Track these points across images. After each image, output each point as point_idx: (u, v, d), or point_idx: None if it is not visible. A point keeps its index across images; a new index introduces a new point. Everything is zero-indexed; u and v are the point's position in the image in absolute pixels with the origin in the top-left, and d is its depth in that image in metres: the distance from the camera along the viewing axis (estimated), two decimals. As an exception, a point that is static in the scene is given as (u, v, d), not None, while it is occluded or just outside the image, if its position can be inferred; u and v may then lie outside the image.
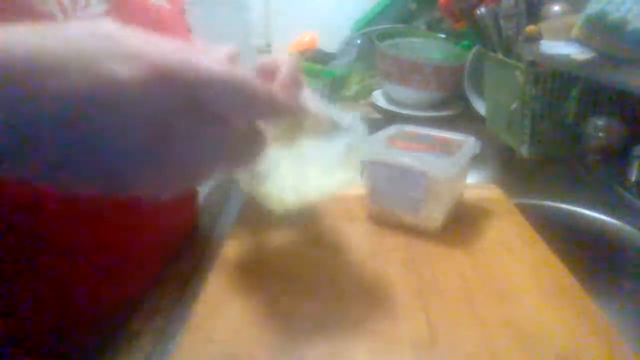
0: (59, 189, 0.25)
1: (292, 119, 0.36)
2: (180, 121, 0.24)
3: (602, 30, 0.61)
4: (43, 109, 0.23)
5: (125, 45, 0.23)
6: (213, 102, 0.25)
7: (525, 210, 0.56)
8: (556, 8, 0.83)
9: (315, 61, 1.36)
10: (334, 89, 1.24)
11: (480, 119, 1.02)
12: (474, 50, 1.06)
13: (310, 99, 0.38)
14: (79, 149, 0.24)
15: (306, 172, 0.38)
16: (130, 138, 0.24)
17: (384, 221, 0.52)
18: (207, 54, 0.30)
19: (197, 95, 0.24)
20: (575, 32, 0.64)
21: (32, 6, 0.35)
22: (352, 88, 1.25)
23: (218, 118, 0.26)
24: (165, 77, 0.23)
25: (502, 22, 0.83)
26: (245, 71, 0.26)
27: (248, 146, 0.28)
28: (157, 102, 0.23)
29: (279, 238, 0.50)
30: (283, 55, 0.40)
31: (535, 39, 0.72)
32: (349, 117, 0.41)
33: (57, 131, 0.23)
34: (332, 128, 0.40)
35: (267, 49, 1.73)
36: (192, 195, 0.60)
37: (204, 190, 0.69)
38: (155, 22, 0.47)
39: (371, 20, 1.39)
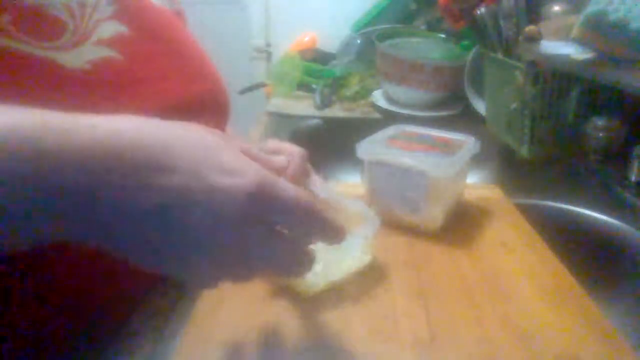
0: (114, 256, 0.27)
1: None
2: (255, 231, 0.27)
3: (602, 30, 0.61)
4: (139, 199, 0.25)
5: (226, 159, 0.27)
6: (288, 223, 0.28)
7: (525, 210, 0.56)
8: (556, 8, 0.83)
9: (315, 61, 1.36)
10: (334, 89, 1.24)
11: (480, 119, 1.02)
12: (474, 50, 1.06)
13: (319, 185, 0.42)
14: (157, 237, 0.26)
15: (331, 259, 0.42)
16: (208, 237, 0.26)
17: (384, 221, 0.52)
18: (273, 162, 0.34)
19: (279, 214, 0.28)
20: (575, 32, 0.64)
21: (40, 10, 0.35)
22: (352, 88, 1.25)
23: (286, 235, 0.29)
24: (261, 195, 0.26)
25: (502, 22, 0.83)
26: (318, 202, 0.30)
27: (300, 261, 0.31)
28: (245, 212, 0.26)
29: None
30: (290, 145, 0.42)
31: (535, 39, 0.72)
32: (358, 204, 0.45)
33: (145, 219, 0.25)
34: (341, 213, 0.44)
35: (267, 48, 1.73)
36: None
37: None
38: (159, 24, 0.47)
39: (371, 20, 1.39)
